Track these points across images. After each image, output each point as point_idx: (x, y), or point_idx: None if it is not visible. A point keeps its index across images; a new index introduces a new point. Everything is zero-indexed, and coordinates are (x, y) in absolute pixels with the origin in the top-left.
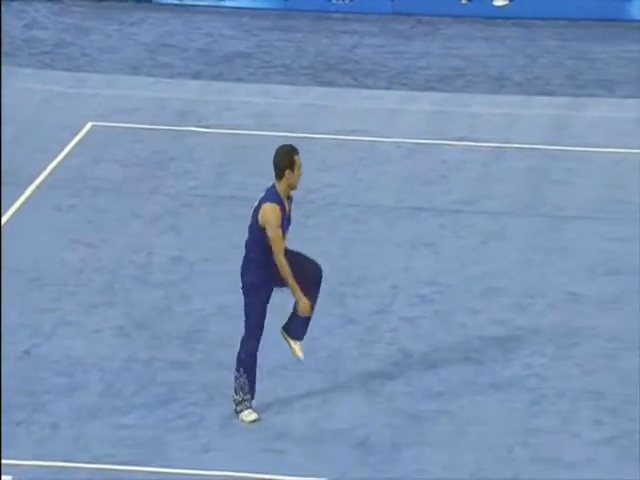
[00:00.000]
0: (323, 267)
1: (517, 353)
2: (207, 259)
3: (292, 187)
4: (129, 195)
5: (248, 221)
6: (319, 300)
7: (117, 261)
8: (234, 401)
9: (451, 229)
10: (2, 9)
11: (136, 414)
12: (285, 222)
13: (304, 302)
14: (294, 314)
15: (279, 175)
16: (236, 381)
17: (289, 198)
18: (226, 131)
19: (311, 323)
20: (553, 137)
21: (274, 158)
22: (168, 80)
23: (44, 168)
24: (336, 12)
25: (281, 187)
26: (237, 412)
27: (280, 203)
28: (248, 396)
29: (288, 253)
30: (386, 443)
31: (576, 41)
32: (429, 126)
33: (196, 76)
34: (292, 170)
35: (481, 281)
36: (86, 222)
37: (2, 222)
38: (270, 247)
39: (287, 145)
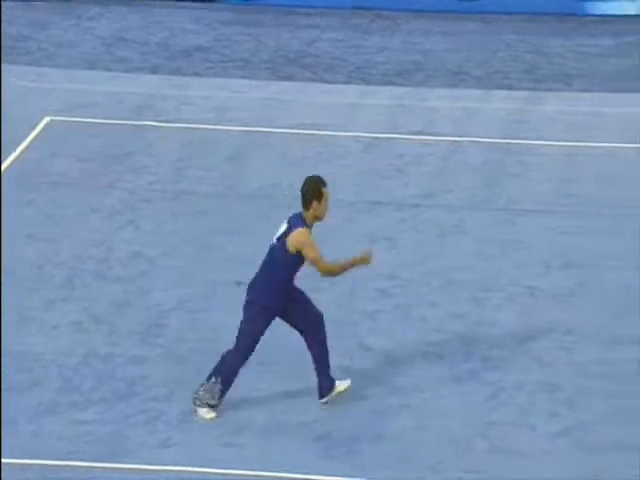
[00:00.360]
0: None
1: (476, 347)
2: (166, 254)
3: (318, 218)
4: (87, 190)
5: (207, 215)
6: None
7: (76, 256)
8: (198, 397)
9: (410, 223)
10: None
11: (95, 410)
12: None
13: (364, 258)
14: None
15: (306, 205)
16: (208, 382)
17: (311, 228)
18: (185, 125)
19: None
20: (511, 131)
21: (302, 188)
22: (126, 75)
23: (1, 162)
24: (296, 6)
25: (307, 217)
26: (196, 405)
27: (309, 230)
28: (215, 402)
29: (295, 291)
30: (347, 437)
31: (534, 36)
32: (388, 120)
33: (154, 70)
34: (319, 202)
35: (440, 275)
36: (45, 217)
37: None
38: (294, 272)
39: (315, 176)
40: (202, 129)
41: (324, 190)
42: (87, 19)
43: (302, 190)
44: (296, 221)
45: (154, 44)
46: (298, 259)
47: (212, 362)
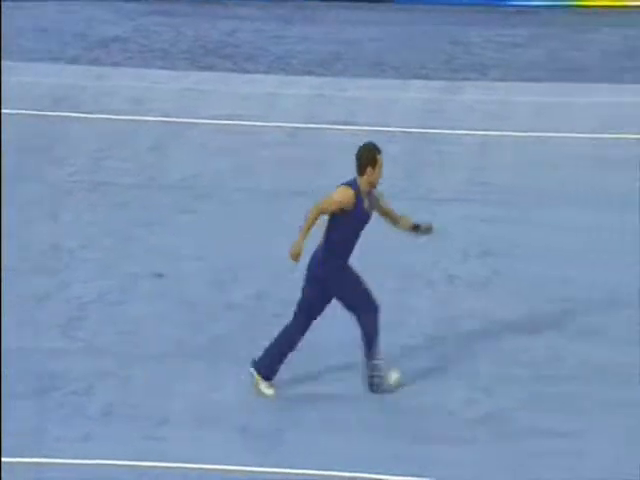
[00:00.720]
0: (206, 252)
1: (395, 334)
2: (85, 246)
3: (372, 185)
4: (6, 182)
5: (128, 207)
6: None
7: None
8: (257, 369)
9: None
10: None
11: (14, 404)
12: (358, 215)
13: (295, 246)
14: None
15: (361, 171)
16: (267, 358)
17: (369, 195)
18: (104, 116)
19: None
20: (429, 120)
21: (357, 154)
22: (44, 65)
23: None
24: None
25: (361, 182)
26: (257, 381)
27: (356, 192)
28: (273, 375)
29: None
30: (268, 427)
31: (452, 26)
32: (308, 110)
33: (72, 61)
34: (373, 168)
35: (361, 263)
36: None
37: None
38: (345, 234)
39: (371, 143)
40: (121, 120)
41: (379, 157)
42: (5, 9)
43: (357, 156)
44: (347, 181)
45: (72, 34)
46: (342, 219)
47: (133, 354)
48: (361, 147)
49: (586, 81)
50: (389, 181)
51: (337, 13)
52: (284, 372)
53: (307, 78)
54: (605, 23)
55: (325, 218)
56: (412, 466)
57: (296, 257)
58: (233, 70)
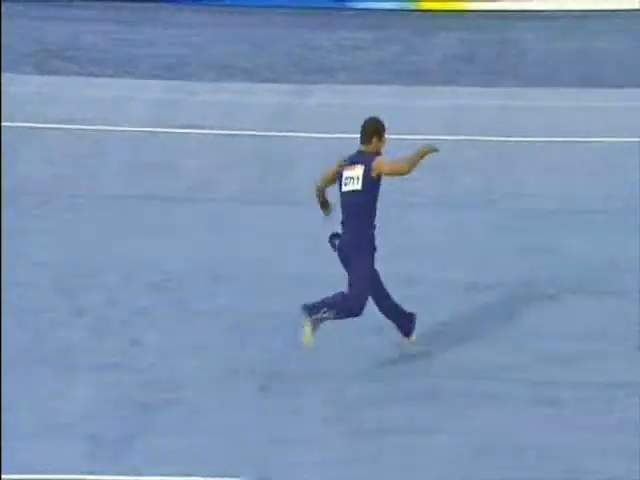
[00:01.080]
0: (51, 258)
1: (253, 338)
2: None
3: (378, 153)
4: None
5: None
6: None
7: None
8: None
9: (181, 217)
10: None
11: None
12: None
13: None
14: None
15: (367, 140)
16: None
17: None
18: None
19: None
20: (278, 123)
21: (363, 125)
22: None
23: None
24: None
25: (369, 151)
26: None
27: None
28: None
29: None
30: (116, 435)
31: (301, 29)
32: (156, 114)
33: None
34: (379, 139)
35: (214, 268)
36: None
37: None
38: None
39: (376, 117)
40: None
41: (383, 132)
42: None
43: (363, 126)
44: (365, 157)
45: None
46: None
47: None
48: (367, 119)
49: (427, 84)
50: (240, 184)
51: (184, 15)
52: (139, 375)
53: (154, 82)
54: (444, 27)
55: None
56: (264, 468)
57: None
58: (78, 74)
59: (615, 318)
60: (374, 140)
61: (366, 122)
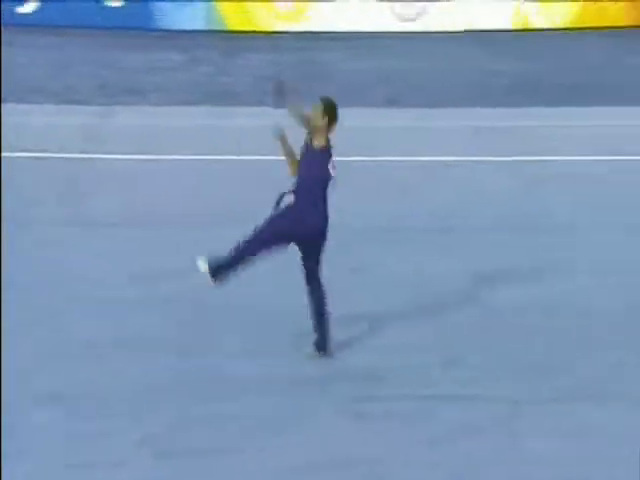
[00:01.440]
0: None
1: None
2: None
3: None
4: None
5: None
6: None
7: None
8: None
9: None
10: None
11: None
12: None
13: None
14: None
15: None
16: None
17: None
18: None
19: None
20: (86, 146)
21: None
22: None
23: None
24: None
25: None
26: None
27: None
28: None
29: None
30: None
31: (110, 51)
32: None
33: None
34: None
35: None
36: None
37: None
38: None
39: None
40: None
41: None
42: None
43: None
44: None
45: None
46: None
47: None
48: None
49: (237, 104)
50: (49, 207)
51: None
52: None
53: None
54: (253, 48)
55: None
56: None
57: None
58: None
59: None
60: (326, 119)
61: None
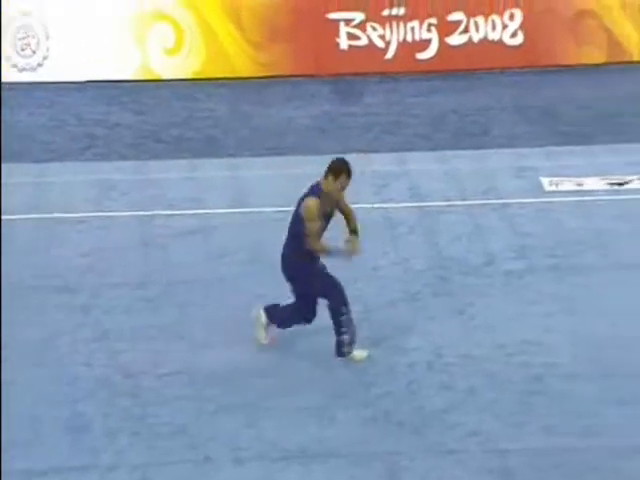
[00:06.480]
0: None
1: None
2: None
3: (333, 193)
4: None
5: None
6: None
7: None
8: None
9: None
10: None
11: None
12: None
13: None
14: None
15: (325, 175)
16: (342, 336)
17: (328, 196)
18: None
19: None
20: None
21: (331, 162)
22: None
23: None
24: None
25: (324, 185)
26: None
27: (318, 198)
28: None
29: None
30: None
31: None
32: None
33: None
34: (335, 180)
35: None
36: None
37: None
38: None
39: (343, 159)
40: None
41: (344, 175)
42: None
43: (330, 163)
44: (311, 187)
45: None
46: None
47: None
48: (337, 159)
49: None
50: None
51: None
52: None
53: None
54: None
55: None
56: None
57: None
58: None
59: None
60: (330, 178)
61: (333, 160)
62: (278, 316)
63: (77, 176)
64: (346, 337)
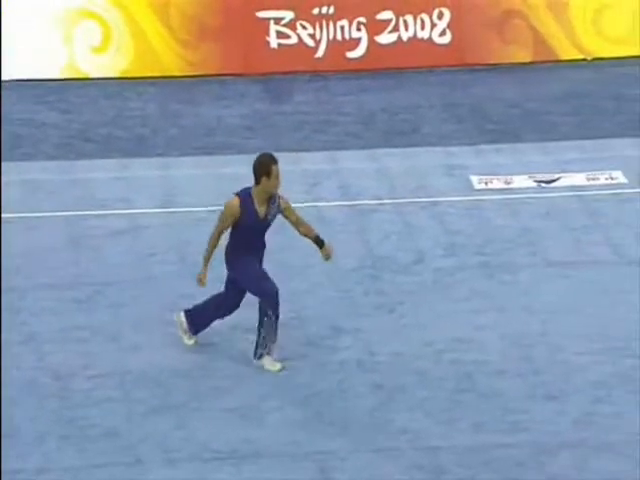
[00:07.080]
0: None
1: None
2: None
3: (267, 193)
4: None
5: None
6: None
7: None
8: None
9: None
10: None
11: None
12: (250, 222)
13: (199, 276)
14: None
15: (256, 181)
16: (259, 337)
17: (269, 200)
18: None
19: None
20: None
21: (253, 165)
22: None
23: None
24: None
25: (256, 191)
26: (259, 357)
27: (244, 200)
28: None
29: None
30: None
31: None
32: None
33: None
34: (268, 177)
35: None
36: None
37: None
38: (238, 240)
39: (266, 154)
40: None
41: (274, 167)
42: None
43: (253, 167)
44: (240, 191)
45: None
46: (235, 226)
47: None
48: (256, 158)
49: None
50: None
51: None
52: None
53: None
54: None
55: None
56: None
57: (201, 283)
58: None
59: None
60: (263, 180)
61: (255, 162)
62: (198, 318)
63: (3, 176)
64: (261, 339)
